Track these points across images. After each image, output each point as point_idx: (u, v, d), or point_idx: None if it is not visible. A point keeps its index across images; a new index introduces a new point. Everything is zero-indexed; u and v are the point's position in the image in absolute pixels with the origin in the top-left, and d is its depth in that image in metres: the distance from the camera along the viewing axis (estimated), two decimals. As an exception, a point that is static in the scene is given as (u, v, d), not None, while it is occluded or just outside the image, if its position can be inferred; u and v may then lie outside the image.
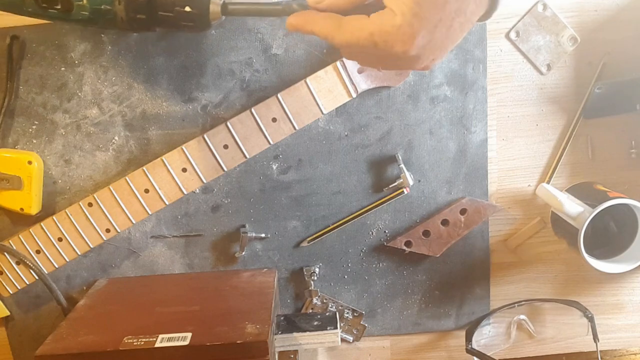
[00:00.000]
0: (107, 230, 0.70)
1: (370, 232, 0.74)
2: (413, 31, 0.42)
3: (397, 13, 0.42)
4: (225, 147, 0.67)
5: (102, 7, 0.49)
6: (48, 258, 0.71)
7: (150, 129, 0.70)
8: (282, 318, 0.70)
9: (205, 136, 0.67)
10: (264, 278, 0.72)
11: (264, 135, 0.67)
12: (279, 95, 0.66)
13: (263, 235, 0.74)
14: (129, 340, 0.58)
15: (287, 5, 0.48)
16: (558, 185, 0.75)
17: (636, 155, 0.73)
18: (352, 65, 0.66)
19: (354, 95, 0.67)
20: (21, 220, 0.71)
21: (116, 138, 0.70)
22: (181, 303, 0.66)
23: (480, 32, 0.69)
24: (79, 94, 0.69)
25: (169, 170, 0.68)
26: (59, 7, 0.49)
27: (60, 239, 0.70)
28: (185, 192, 0.69)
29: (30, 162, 0.68)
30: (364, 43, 0.44)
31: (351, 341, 0.79)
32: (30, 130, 0.70)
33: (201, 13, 0.49)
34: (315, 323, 0.68)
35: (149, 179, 0.68)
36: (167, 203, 0.69)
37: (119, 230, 0.70)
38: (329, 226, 0.74)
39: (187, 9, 0.48)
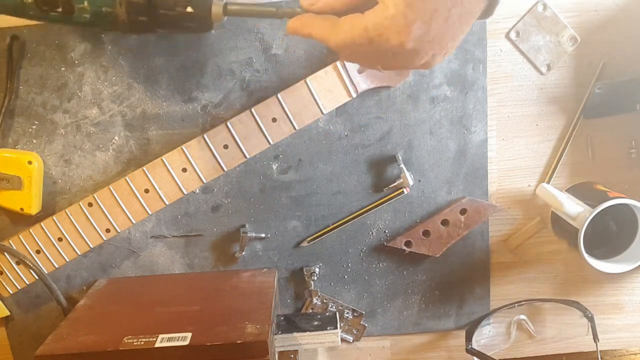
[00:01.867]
0: (107, 230, 0.70)
1: (370, 232, 0.74)
2: (407, 21, 0.41)
3: (390, 4, 0.41)
4: (225, 147, 0.67)
5: (103, 9, 0.49)
6: (48, 258, 0.71)
7: (150, 129, 0.70)
8: (282, 318, 0.70)
9: (205, 136, 0.67)
10: (264, 278, 0.72)
11: (264, 135, 0.67)
12: (279, 95, 0.66)
13: (263, 235, 0.74)
14: (129, 340, 0.58)
15: (285, 8, 0.49)
16: (558, 185, 0.75)
17: (636, 155, 0.73)
18: (352, 65, 0.66)
19: (354, 95, 0.67)
20: (21, 220, 0.71)
21: (116, 138, 0.70)
22: (181, 303, 0.66)
23: (480, 32, 0.69)
24: (79, 94, 0.69)
25: (169, 170, 0.68)
26: (60, 10, 0.49)
27: (60, 239, 0.70)
28: (185, 192, 0.69)
29: (30, 162, 0.68)
30: (360, 40, 0.43)
31: (351, 341, 0.79)
32: (30, 130, 0.70)
33: (203, 14, 0.49)
34: (315, 323, 0.68)
35: (149, 179, 0.68)
36: (167, 203, 0.69)
37: (119, 230, 0.70)
38: (329, 226, 0.74)
39: (189, 9, 0.48)
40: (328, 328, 0.67)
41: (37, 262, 0.71)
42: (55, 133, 0.70)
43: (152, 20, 0.49)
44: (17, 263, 0.71)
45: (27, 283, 0.72)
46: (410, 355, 0.81)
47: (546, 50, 0.70)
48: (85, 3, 0.48)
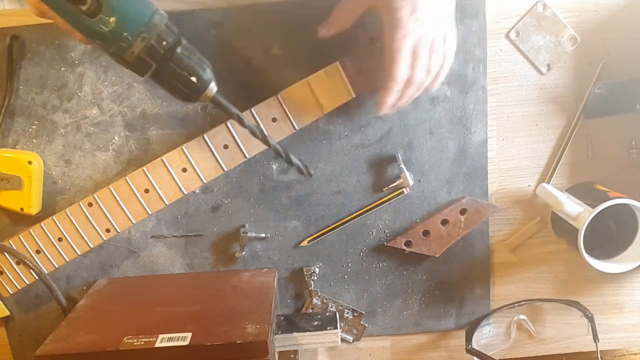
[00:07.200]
0: (107, 230, 0.70)
1: (370, 232, 0.74)
2: None
3: None
4: (225, 147, 0.67)
5: (124, 34, 0.48)
6: (48, 258, 0.71)
7: (150, 129, 0.70)
8: (282, 318, 0.70)
9: (205, 136, 0.67)
10: (264, 278, 0.72)
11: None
12: (279, 95, 0.66)
13: (263, 235, 0.74)
14: (129, 340, 0.58)
15: (251, 124, 0.59)
16: (558, 185, 0.75)
17: (636, 155, 0.73)
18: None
19: (354, 95, 0.67)
20: (21, 220, 0.71)
21: (116, 138, 0.70)
22: (181, 303, 0.66)
23: (480, 32, 0.69)
24: (79, 94, 0.69)
25: (169, 170, 0.68)
26: (85, 7, 0.48)
27: (60, 239, 0.70)
28: (185, 192, 0.69)
29: (30, 162, 0.68)
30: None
31: (351, 341, 0.79)
32: (30, 130, 0.70)
33: (198, 89, 0.54)
34: (315, 323, 0.68)
35: (149, 179, 0.68)
36: (167, 203, 0.69)
37: (119, 230, 0.70)
38: (329, 226, 0.74)
39: (193, 79, 0.53)
40: (328, 328, 0.67)
41: (37, 262, 0.71)
42: (55, 133, 0.70)
43: (157, 68, 0.52)
44: (17, 263, 0.71)
45: (27, 283, 0.72)
46: (410, 355, 0.81)
47: (546, 50, 0.70)
48: (113, 19, 0.48)
